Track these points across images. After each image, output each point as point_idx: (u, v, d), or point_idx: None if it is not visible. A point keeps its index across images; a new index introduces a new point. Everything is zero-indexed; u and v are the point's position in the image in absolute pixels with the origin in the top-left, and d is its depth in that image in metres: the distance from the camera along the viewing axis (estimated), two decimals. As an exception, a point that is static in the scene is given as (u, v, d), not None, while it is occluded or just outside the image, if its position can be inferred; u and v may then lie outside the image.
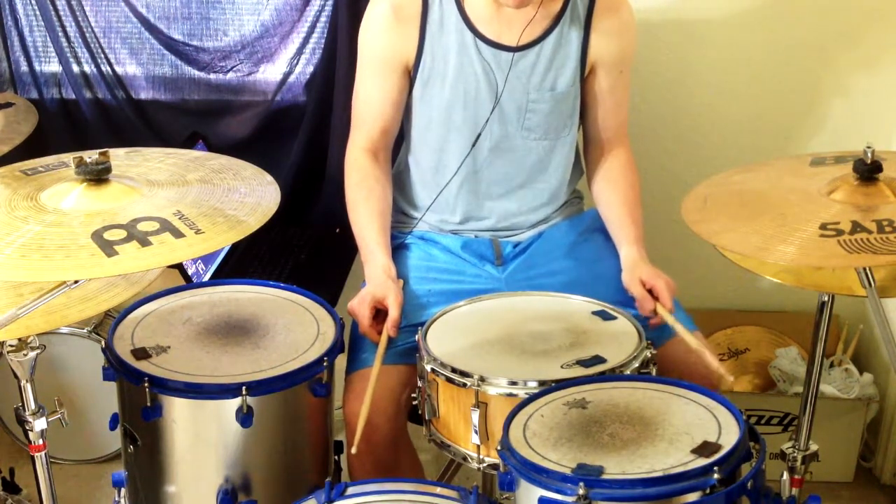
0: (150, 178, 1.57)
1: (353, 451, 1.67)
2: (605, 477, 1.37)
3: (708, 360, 1.74)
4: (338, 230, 2.49)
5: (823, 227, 1.50)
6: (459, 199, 2.07)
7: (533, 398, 1.57)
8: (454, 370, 1.65)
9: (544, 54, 1.99)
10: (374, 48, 2.02)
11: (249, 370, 1.68)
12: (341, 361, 1.83)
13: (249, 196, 1.57)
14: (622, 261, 1.97)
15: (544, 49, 1.99)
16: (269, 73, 2.64)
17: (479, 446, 1.66)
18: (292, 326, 1.81)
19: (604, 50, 2.02)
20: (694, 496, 1.35)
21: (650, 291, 1.87)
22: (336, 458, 1.87)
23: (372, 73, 2.03)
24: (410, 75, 2.02)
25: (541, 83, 2.00)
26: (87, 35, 2.60)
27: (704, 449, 1.41)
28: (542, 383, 1.60)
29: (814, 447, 1.83)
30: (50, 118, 2.63)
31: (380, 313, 1.87)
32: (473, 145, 2.01)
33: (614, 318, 1.81)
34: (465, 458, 1.70)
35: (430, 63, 1.99)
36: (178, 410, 1.66)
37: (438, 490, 1.57)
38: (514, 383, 1.61)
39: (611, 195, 2.08)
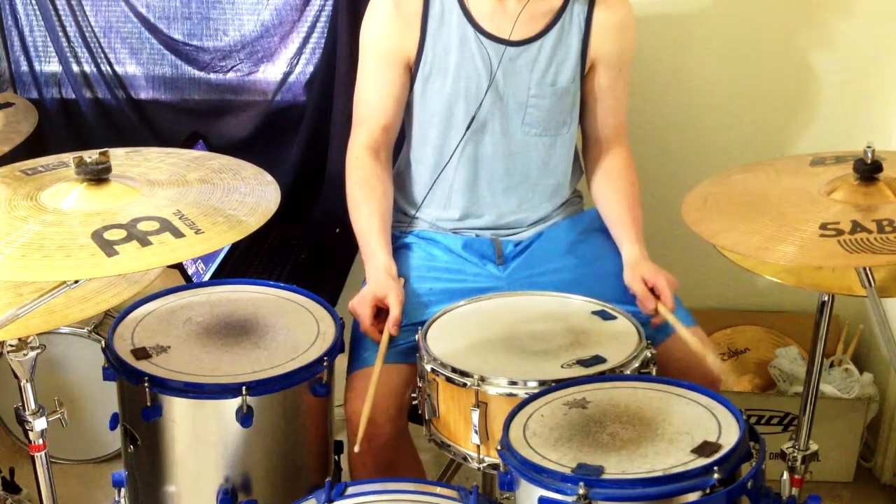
0: (150, 178, 1.57)
1: (356, 449, 1.67)
2: (605, 477, 1.37)
3: (709, 362, 1.74)
4: (338, 230, 2.49)
5: (823, 226, 1.50)
6: (459, 194, 2.07)
7: (533, 398, 1.57)
8: (454, 370, 1.65)
9: (545, 49, 1.99)
10: (376, 44, 2.02)
11: (249, 370, 1.68)
12: (341, 361, 1.83)
13: (249, 196, 1.57)
14: (624, 259, 1.97)
15: (545, 44, 1.99)
16: (269, 73, 2.64)
17: (479, 446, 1.66)
18: (292, 326, 1.81)
19: (604, 47, 2.02)
20: (694, 496, 1.35)
21: (652, 290, 1.87)
22: (336, 457, 1.87)
23: (373, 69, 2.03)
24: (412, 71, 2.02)
25: (541, 78, 2.00)
26: (87, 35, 2.60)
27: (704, 449, 1.41)
28: (542, 383, 1.60)
29: (814, 447, 1.83)
30: (50, 118, 2.63)
31: (381, 312, 1.87)
32: (468, 128, 2.00)
33: (614, 317, 1.81)
34: (465, 458, 1.70)
35: (431, 58, 1.99)
36: (177, 410, 1.66)
37: (438, 490, 1.57)
38: (514, 383, 1.61)
39: (610, 194, 2.08)
